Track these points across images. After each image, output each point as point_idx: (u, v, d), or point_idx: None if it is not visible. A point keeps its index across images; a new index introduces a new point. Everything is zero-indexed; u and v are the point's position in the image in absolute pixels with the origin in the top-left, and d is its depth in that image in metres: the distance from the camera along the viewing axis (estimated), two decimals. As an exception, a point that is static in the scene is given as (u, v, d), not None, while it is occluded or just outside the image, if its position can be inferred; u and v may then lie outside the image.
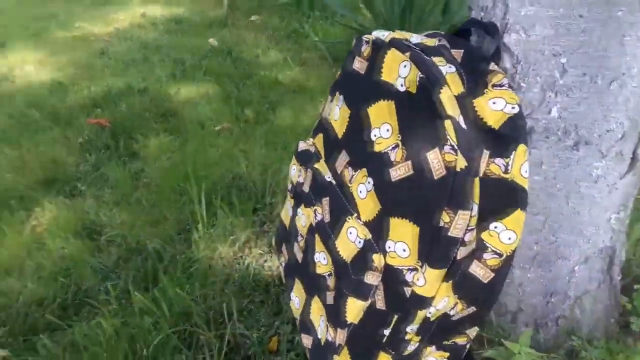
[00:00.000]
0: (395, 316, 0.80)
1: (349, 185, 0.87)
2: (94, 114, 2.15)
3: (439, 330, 0.83)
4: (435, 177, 0.72)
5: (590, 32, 0.79)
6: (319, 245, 0.91)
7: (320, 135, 0.97)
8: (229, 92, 2.19)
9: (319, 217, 0.92)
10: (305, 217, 0.97)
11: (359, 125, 0.85)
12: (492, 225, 0.76)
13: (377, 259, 0.78)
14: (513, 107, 0.75)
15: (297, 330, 1.01)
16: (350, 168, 0.87)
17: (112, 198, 1.63)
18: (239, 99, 2.13)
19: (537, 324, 1.05)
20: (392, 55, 0.78)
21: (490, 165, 0.75)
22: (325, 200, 0.90)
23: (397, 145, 0.77)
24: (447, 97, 0.71)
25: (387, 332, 0.81)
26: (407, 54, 0.75)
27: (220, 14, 3.32)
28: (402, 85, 0.76)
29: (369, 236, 0.80)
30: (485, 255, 0.77)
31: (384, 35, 0.82)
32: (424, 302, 0.77)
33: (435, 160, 0.72)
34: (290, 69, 2.36)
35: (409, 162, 0.76)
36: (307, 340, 0.97)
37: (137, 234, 1.43)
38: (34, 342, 1.17)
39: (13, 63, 2.87)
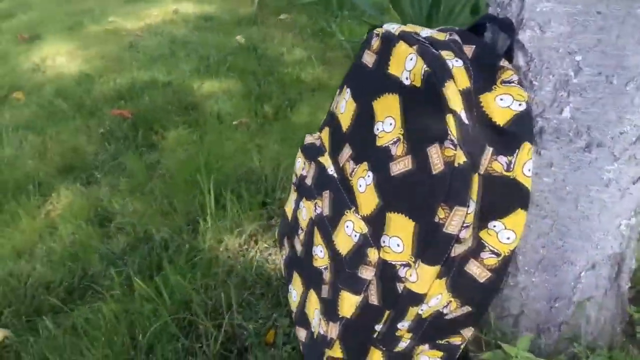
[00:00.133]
0: (388, 312, 0.78)
1: (350, 179, 0.85)
2: (118, 105, 2.18)
3: (432, 329, 0.81)
4: (434, 172, 0.70)
5: (608, 29, 0.75)
6: (317, 238, 0.90)
7: (327, 129, 0.96)
8: (250, 88, 2.20)
9: (318, 211, 0.91)
10: (307, 211, 0.96)
11: (364, 119, 0.84)
12: (491, 224, 0.74)
13: (372, 254, 0.77)
14: (520, 104, 0.72)
15: (294, 323, 0.99)
16: (352, 162, 0.86)
17: (126, 187, 1.64)
18: (260, 95, 2.13)
19: (539, 329, 1.01)
20: (400, 48, 0.77)
21: (493, 162, 0.72)
22: (326, 194, 0.89)
23: (398, 139, 0.76)
24: (452, 91, 0.69)
25: (379, 328, 0.80)
26: (415, 47, 0.74)
27: (250, 12, 3.34)
28: (407, 79, 0.74)
29: (365, 230, 0.79)
30: (483, 255, 0.75)
31: (394, 28, 0.81)
32: (416, 298, 0.74)
33: (435, 155, 0.70)
34: (314, 68, 2.35)
35: (410, 157, 0.74)
36: (301, 333, 0.96)
37: (147, 223, 1.44)
38: (36, 324, 1.18)
39: (46, 55, 2.93)
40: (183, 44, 2.80)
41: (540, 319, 1.02)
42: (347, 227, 0.81)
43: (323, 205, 0.89)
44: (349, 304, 0.81)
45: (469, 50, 0.77)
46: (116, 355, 1.06)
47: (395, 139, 0.76)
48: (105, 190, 1.64)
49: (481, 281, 0.76)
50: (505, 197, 0.73)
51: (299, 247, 0.99)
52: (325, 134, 0.96)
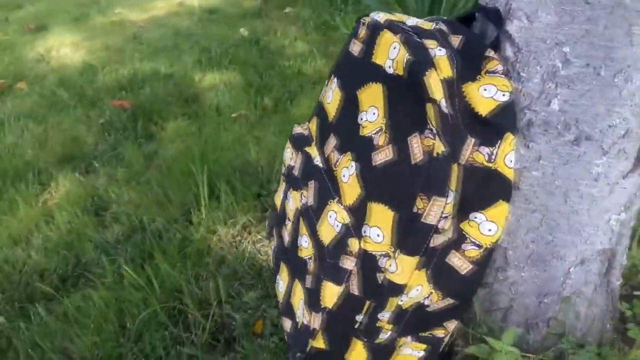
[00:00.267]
0: (369, 303, 0.78)
1: (335, 169, 0.85)
2: (119, 96, 2.19)
3: (414, 321, 0.80)
4: (414, 162, 0.70)
5: (596, 20, 0.74)
6: (303, 228, 0.89)
7: (315, 119, 0.96)
8: (251, 81, 2.19)
9: (304, 201, 0.90)
10: (293, 201, 0.95)
11: (349, 108, 0.83)
12: (472, 216, 0.73)
13: (353, 244, 0.76)
14: (504, 95, 0.72)
15: (280, 314, 0.99)
16: (336, 152, 0.85)
17: (123, 177, 1.65)
18: (260, 87, 2.13)
19: (527, 324, 1.00)
20: (384, 37, 0.76)
21: (475, 153, 0.72)
22: (312, 184, 0.88)
23: (381, 129, 0.75)
24: (433, 80, 0.68)
25: (360, 318, 0.79)
26: (399, 35, 0.73)
27: (255, 5, 3.34)
28: (390, 68, 0.74)
29: (348, 220, 0.78)
30: (464, 246, 0.75)
31: (380, 17, 0.80)
32: (396, 289, 0.74)
33: (416, 145, 0.70)
34: (315, 61, 2.34)
35: (391, 146, 0.73)
36: (287, 324, 0.96)
37: (142, 212, 1.44)
38: (28, 310, 1.19)
39: (51, 45, 2.95)
40: (186, 36, 2.80)
41: (529, 314, 1.01)
42: (330, 217, 0.81)
43: (308, 195, 0.89)
44: (331, 294, 0.80)
45: (456, 40, 0.77)
46: (104, 342, 1.07)
47: (378, 129, 0.76)
48: (103, 180, 1.65)
49: (463, 273, 0.76)
50: (486, 188, 0.72)
51: (286, 238, 0.99)
52: (313, 124, 0.96)
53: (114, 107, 2.08)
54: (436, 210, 0.68)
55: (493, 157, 0.71)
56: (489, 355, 0.93)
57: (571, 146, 0.83)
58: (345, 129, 0.84)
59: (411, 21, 0.78)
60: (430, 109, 0.67)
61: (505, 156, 0.71)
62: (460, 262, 0.75)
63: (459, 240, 0.74)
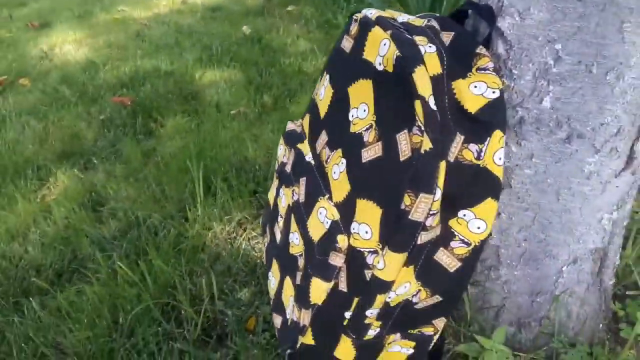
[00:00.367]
0: (357, 299, 0.77)
1: (326, 165, 0.85)
2: (120, 93, 2.19)
3: (402, 318, 0.80)
4: (401, 159, 0.69)
5: (588, 17, 0.73)
6: (293, 225, 0.89)
7: (308, 116, 0.96)
8: (251, 79, 2.19)
9: (295, 197, 0.90)
10: (285, 198, 0.95)
11: (340, 105, 0.83)
12: (461, 213, 0.73)
13: (342, 240, 0.76)
14: (494, 92, 0.71)
15: (272, 311, 0.99)
16: (327, 148, 0.85)
17: (122, 173, 1.65)
18: (260, 85, 2.13)
19: (520, 323, 1.00)
20: (375, 33, 0.76)
21: (464, 150, 0.71)
22: (303, 181, 0.88)
23: (371, 126, 0.75)
24: (421, 77, 0.68)
25: (348, 315, 0.79)
26: (389, 32, 0.73)
27: (258, 3, 3.34)
28: (380, 64, 0.73)
29: (337, 217, 0.78)
30: (453, 244, 0.74)
31: (372, 13, 0.80)
32: (384, 286, 0.74)
33: (404, 142, 0.69)
34: (316, 59, 2.34)
35: (380, 143, 0.73)
36: (277, 320, 0.95)
37: (139, 208, 1.45)
38: (23, 305, 1.19)
39: (54, 42, 2.96)
40: (189, 34, 2.81)
41: (522, 313, 1.01)
42: (320, 213, 0.81)
43: (299, 192, 0.89)
44: (319, 290, 0.80)
45: (447, 36, 0.76)
46: (97, 337, 1.07)
47: (367, 126, 0.75)
48: (101, 176, 1.65)
49: (451, 271, 0.75)
50: (475, 185, 0.72)
51: (278, 235, 0.99)
52: (306, 120, 0.96)
53: (114, 103, 2.09)
54: (423, 207, 0.68)
55: (482, 154, 0.70)
56: (479, 353, 0.93)
57: (563, 144, 0.83)
58: (336, 125, 0.83)
59: (402, 18, 0.78)
60: (418, 106, 0.66)
61: (494, 153, 0.70)
62: (448, 260, 0.75)
63: (447, 238, 0.74)
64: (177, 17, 3.20)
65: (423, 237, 0.71)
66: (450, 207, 0.73)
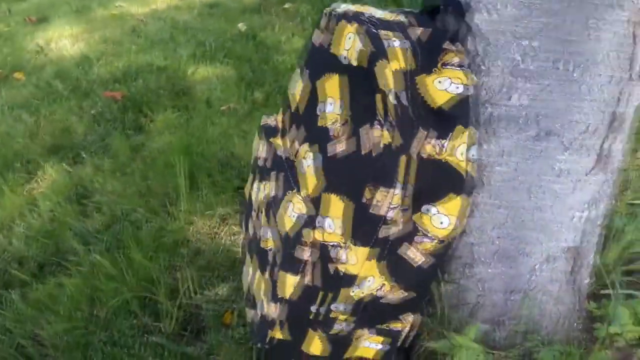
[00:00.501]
0: (322, 293, 0.78)
1: (296, 160, 0.85)
2: (111, 87, 2.20)
3: (370, 313, 0.80)
4: (364, 153, 0.69)
5: (555, 13, 0.73)
6: (266, 220, 0.90)
7: (282, 110, 0.96)
8: (243, 75, 2.19)
9: (269, 192, 0.90)
10: (260, 192, 0.96)
11: (310, 99, 0.83)
12: (425, 208, 0.73)
13: (309, 234, 0.76)
14: (458, 87, 0.71)
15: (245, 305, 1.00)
16: (297, 142, 0.85)
17: (109, 167, 1.65)
18: (252, 81, 2.13)
19: (495, 321, 1.00)
20: (341, 27, 0.76)
21: (427, 145, 0.71)
22: (275, 175, 0.89)
23: (337, 120, 0.75)
24: (383, 71, 0.68)
25: (315, 309, 0.79)
26: (355, 26, 0.73)
27: (255, 0, 3.33)
28: (345, 58, 0.73)
29: (305, 211, 0.78)
30: (418, 239, 0.74)
31: (342, 7, 0.80)
32: (348, 280, 0.74)
33: (367, 136, 0.70)
34: (309, 56, 2.34)
35: (345, 137, 0.73)
36: (250, 314, 0.96)
37: (124, 203, 1.45)
38: (3, 297, 1.20)
39: (51, 37, 2.97)
40: (184, 30, 2.81)
41: (497, 311, 1.00)
42: (289, 207, 0.81)
43: (272, 186, 0.89)
44: (288, 284, 0.81)
45: (416, 31, 0.76)
46: (74, 329, 1.08)
47: (334, 120, 0.76)
48: (89, 170, 1.66)
49: (416, 265, 0.76)
50: (438, 180, 0.72)
51: (253, 229, 0.99)
52: (281, 115, 0.96)
53: (106, 98, 2.09)
54: (384, 201, 0.68)
55: (444, 149, 0.70)
56: (451, 350, 0.93)
57: (533, 141, 0.83)
58: (306, 119, 0.84)
59: (372, 12, 0.78)
60: (378, 100, 0.67)
61: (457, 149, 0.70)
62: (413, 255, 0.75)
63: (412, 233, 0.74)
64: (174, 13, 3.20)
65: (385, 231, 0.71)
66: (414, 201, 0.73)
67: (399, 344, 0.87)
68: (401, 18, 0.77)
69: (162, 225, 1.32)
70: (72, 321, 1.09)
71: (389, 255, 0.74)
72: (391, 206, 0.68)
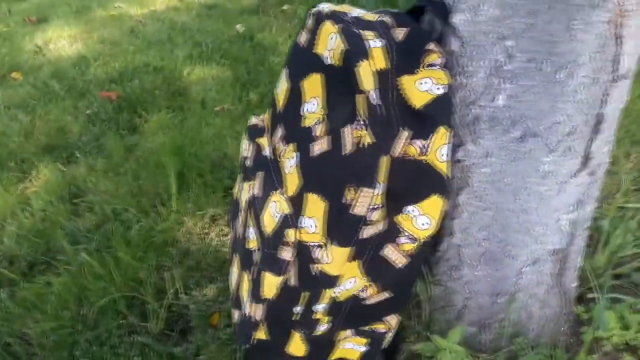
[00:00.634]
0: (304, 294, 0.77)
1: (280, 159, 0.85)
2: (107, 88, 2.20)
3: (353, 314, 0.80)
4: (344, 153, 0.69)
5: (537, 14, 0.73)
6: (250, 220, 0.89)
7: (269, 110, 0.96)
8: (239, 76, 2.20)
9: (253, 192, 0.90)
10: (245, 192, 0.95)
11: (294, 99, 0.83)
12: (406, 209, 0.73)
13: (291, 234, 0.76)
14: (439, 88, 0.71)
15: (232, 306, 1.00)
16: (282, 142, 0.85)
17: (102, 167, 1.65)
18: (247, 82, 2.13)
19: (481, 323, 0.99)
20: (325, 27, 0.76)
21: (408, 146, 0.71)
22: (260, 175, 0.88)
23: (320, 120, 0.75)
24: (364, 71, 0.68)
25: (298, 310, 0.79)
26: (337, 26, 0.73)
27: (254, 2, 3.34)
28: (328, 58, 0.73)
29: (287, 211, 0.78)
30: (399, 240, 0.74)
31: (326, 7, 0.80)
32: (329, 280, 0.74)
33: (348, 136, 0.70)
34: (305, 58, 2.34)
35: (327, 137, 0.73)
36: (236, 315, 0.96)
37: (116, 202, 1.45)
38: (-8, 295, 1.20)
39: (49, 37, 2.97)
40: (181, 31, 2.81)
41: (483, 314, 1.00)
42: (272, 207, 0.81)
43: (256, 186, 0.89)
44: (270, 285, 0.80)
45: (400, 32, 0.76)
46: (61, 327, 1.07)
47: (317, 120, 0.75)
48: (83, 170, 1.66)
49: (398, 267, 0.75)
50: (419, 181, 0.72)
51: (239, 230, 0.99)
52: (267, 114, 0.96)
53: (101, 98, 2.09)
54: (365, 202, 0.68)
55: (426, 150, 0.70)
56: (435, 353, 0.93)
57: (518, 143, 0.83)
58: (290, 119, 0.84)
59: (355, 12, 0.78)
60: (359, 100, 0.67)
61: (438, 149, 0.70)
62: (395, 256, 0.75)
63: (394, 234, 0.74)
64: (172, 14, 3.21)
65: (366, 232, 0.71)
66: (396, 202, 0.73)
67: (383, 345, 0.86)
68: (385, 19, 0.77)
69: (152, 225, 1.32)
70: (59, 320, 1.09)
71: (372, 257, 0.74)
72: (372, 206, 0.68)
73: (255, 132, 0.97)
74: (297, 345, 0.82)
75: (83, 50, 2.70)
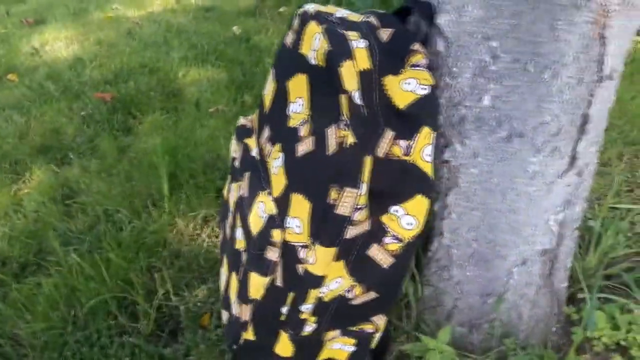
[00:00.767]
0: (291, 294, 0.77)
1: (267, 160, 0.85)
2: (102, 89, 2.20)
3: (340, 314, 0.80)
4: (328, 153, 0.69)
5: (521, 14, 0.73)
6: (238, 220, 0.89)
7: (257, 111, 0.96)
8: (234, 78, 2.20)
9: (240, 192, 0.90)
10: (234, 193, 0.95)
11: (280, 99, 0.83)
12: (392, 209, 0.73)
13: (277, 235, 0.76)
14: (424, 88, 0.71)
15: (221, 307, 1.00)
16: (269, 143, 0.85)
17: (96, 168, 1.65)
18: (242, 84, 2.14)
19: (471, 324, 0.99)
20: (309, 27, 0.76)
21: (393, 146, 0.71)
22: (247, 175, 0.88)
23: (306, 120, 0.75)
24: (348, 71, 0.68)
25: (285, 310, 0.79)
26: (322, 26, 0.73)
27: (251, 4, 3.34)
28: (313, 59, 0.73)
29: (274, 211, 0.78)
30: (386, 240, 0.74)
31: (312, 7, 0.80)
32: (315, 280, 0.74)
33: (332, 136, 0.70)
34: (301, 60, 2.34)
35: (312, 138, 0.73)
36: (224, 316, 0.96)
37: (108, 204, 1.45)
38: (-18, 297, 1.20)
39: (46, 39, 2.97)
40: (178, 33, 2.82)
41: (473, 314, 1.00)
42: (259, 208, 0.81)
43: (244, 186, 0.89)
44: (257, 285, 0.80)
45: (385, 33, 0.76)
46: (51, 328, 1.07)
47: (302, 120, 0.75)
48: (76, 171, 1.66)
49: (384, 267, 0.75)
50: (404, 181, 0.72)
51: (227, 230, 0.99)
52: (255, 115, 0.96)
53: (96, 99, 2.09)
54: (349, 202, 0.68)
55: (410, 150, 0.70)
56: (423, 353, 0.92)
57: (505, 143, 0.83)
58: (276, 120, 0.84)
59: (340, 13, 0.78)
60: (343, 100, 0.67)
61: (422, 150, 0.70)
62: (381, 256, 0.75)
63: (379, 234, 0.74)
64: (169, 16, 3.21)
65: (351, 232, 0.71)
66: (381, 202, 0.73)
67: (372, 346, 0.86)
68: (370, 19, 0.77)
69: (144, 226, 1.32)
70: (49, 321, 1.09)
71: (358, 257, 0.74)
72: (357, 207, 0.68)
73: (243, 133, 0.97)
74: (284, 345, 0.82)
75: (79, 52, 2.70)
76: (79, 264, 1.18)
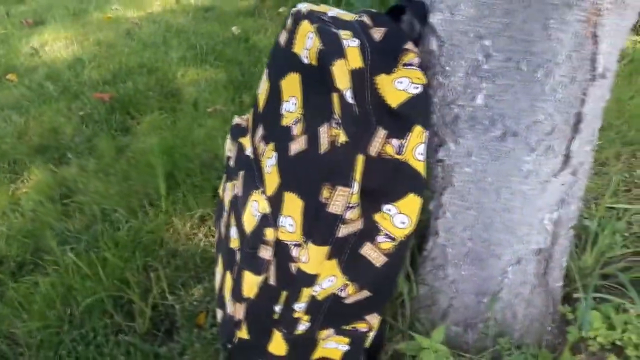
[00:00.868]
0: (284, 293, 0.77)
1: (261, 159, 0.85)
2: (101, 89, 2.21)
3: (333, 313, 0.80)
4: (321, 152, 0.69)
5: (514, 13, 0.73)
6: (233, 219, 0.90)
7: (252, 110, 0.96)
8: (233, 78, 2.20)
9: (235, 191, 0.90)
10: (229, 192, 0.96)
11: (273, 98, 0.84)
12: (385, 208, 0.73)
13: (270, 233, 0.76)
14: (416, 87, 0.71)
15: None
16: (263, 142, 0.85)
17: (94, 168, 1.66)
18: (241, 84, 2.14)
19: (466, 323, 0.99)
20: (302, 26, 0.76)
21: (386, 145, 0.71)
22: (241, 174, 0.89)
23: (299, 119, 0.75)
24: (340, 70, 0.68)
25: (278, 309, 0.79)
26: (315, 25, 0.73)
27: (250, 4, 3.35)
28: (306, 57, 0.74)
29: (267, 210, 0.78)
30: (379, 238, 0.74)
31: (305, 7, 0.80)
32: (308, 279, 0.74)
33: (324, 135, 0.70)
34: (299, 60, 2.34)
35: (305, 136, 0.73)
36: (219, 315, 0.96)
37: (106, 203, 1.45)
38: (-21, 296, 1.20)
39: (46, 39, 2.98)
40: (177, 33, 2.82)
41: (468, 314, 1.00)
42: (253, 206, 0.81)
43: (238, 185, 0.89)
44: (251, 284, 0.80)
45: (378, 32, 0.76)
46: (47, 327, 1.08)
47: (295, 119, 0.76)
48: (74, 171, 1.66)
49: (377, 265, 0.75)
50: (397, 180, 0.72)
51: (222, 229, 0.99)
52: (250, 114, 0.96)
53: (94, 99, 2.10)
54: (341, 200, 0.68)
55: (402, 149, 0.70)
56: (418, 352, 0.93)
57: (499, 142, 0.83)
58: (270, 119, 0.84)
59: (333, 12, 0.78)
60: (335, 99, 0.67)
61: (414, 148, 0.70)
62: (374, 254, 0.75)
63: (373, 232, 0.74)
64: (169, 16, 3.22)
65: (343, 230, 0.71)
66: (374, 201, 0.73)
67: (366, 345, 0.86)
68: (363, 18, 0.77)
69: (141, 225, 1.32)
70: (45, 320, 1.09)
71: (351, 255, 0.74)
72: (349, 205, 0.68)
73: (238, 132, 0.97)
74: (278, 344, 0.82)
75: (78, 53, 2.71)
76: (75, 263, 1.18)
